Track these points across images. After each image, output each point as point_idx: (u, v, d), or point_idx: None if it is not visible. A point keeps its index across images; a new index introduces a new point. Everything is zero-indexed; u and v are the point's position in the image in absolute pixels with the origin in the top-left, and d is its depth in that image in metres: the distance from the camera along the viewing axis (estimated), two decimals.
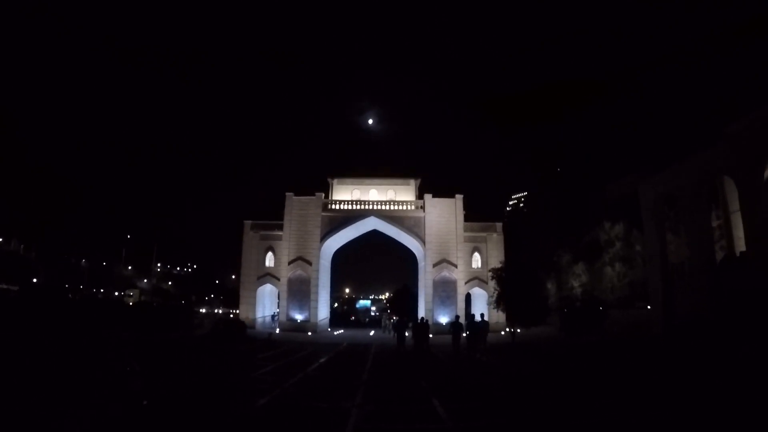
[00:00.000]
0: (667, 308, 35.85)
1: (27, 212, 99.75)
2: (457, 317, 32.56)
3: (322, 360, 24.58)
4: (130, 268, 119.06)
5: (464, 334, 29.04)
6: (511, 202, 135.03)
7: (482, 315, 34.08)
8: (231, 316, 70.56)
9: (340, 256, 64.58)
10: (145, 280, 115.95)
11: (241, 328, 32.67)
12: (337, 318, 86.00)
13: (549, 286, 59.55)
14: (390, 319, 62.73)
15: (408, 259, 64.94)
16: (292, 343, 34.93)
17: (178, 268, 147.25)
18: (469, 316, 36.16)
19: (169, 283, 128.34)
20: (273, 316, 53.55)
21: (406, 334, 29.78)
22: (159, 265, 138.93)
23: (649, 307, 42.42)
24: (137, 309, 41.93)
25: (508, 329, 34.42)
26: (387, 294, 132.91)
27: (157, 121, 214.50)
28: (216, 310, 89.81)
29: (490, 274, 40.42)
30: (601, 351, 27.14)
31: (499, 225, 55.18)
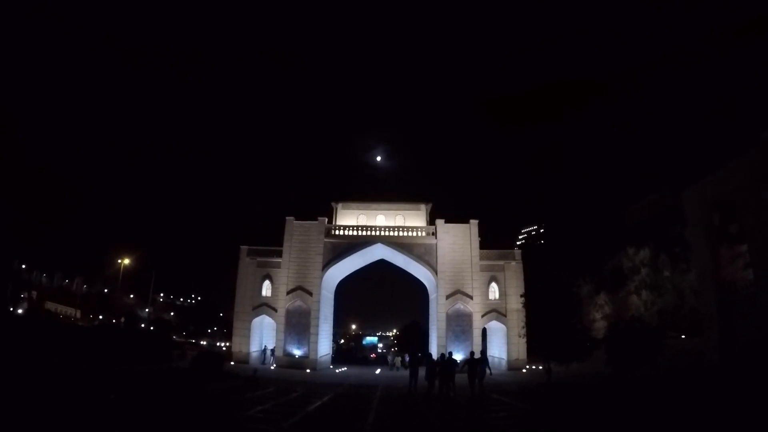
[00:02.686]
0: (725, 335, 29.54)
1: (27, 232, 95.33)
2: (472, 353, 27.47)
3: (310, 408, 18.55)
4: (132, 296, 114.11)
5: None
6: (521, 236, 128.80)
7: (482, 352, 32.50)
8: (217, 347, 64.24)
9: (345, 289, 58.83)
10: (147, 310, 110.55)
11: (217, 363, 26.41)
12: (342, 354, 79.97)
13: (596, 314, 53.06)
14: (398, 356, 56.62)
15: (418, 293, 59.39)
16: (282, 382, 29.02)
17: (181, 299, 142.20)
18: (469, 353, 30.44)
19: (171, 313, 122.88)
20: (265, 351, 47.26)
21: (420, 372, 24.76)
22: (162, 295, 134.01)
23: (683, 336, 37.62)
24: (99, 333, 35.68)
25: (543, 366, 27.94)
26: (394, 331, 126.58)
27: (154, 139, 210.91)
28: (203, 342, 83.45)
29: (521, 301, 34.62)
30: (663, 390, 21.04)
31: (518, 252, 49.46)
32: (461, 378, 26.81)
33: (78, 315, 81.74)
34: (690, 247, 44.64)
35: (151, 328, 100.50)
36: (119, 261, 62.14)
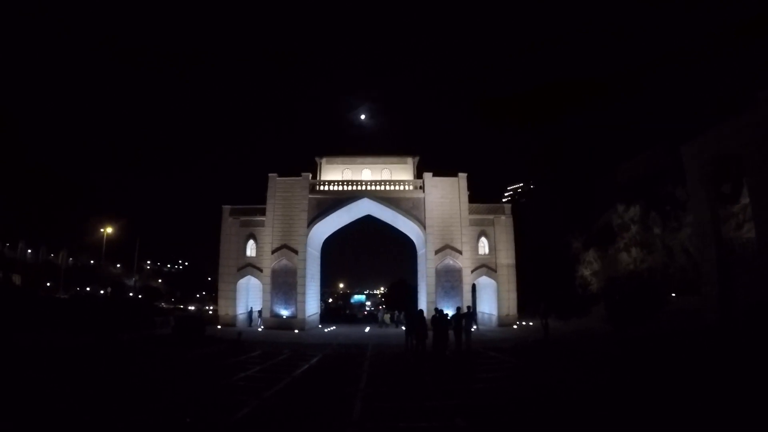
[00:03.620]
0: (724, 294, 28.16)
1: (9, 208, 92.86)
2: (459, 308, 25.75)
3: (297, 372, 16.82)
4: (118, 266, 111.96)
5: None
6: (507, 194, 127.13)
7: (468, 307, 30.45)
8: (204, 311, 62.37)
9: (332, 248, 57.03)
10: (133, 278, 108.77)
11: (198, 327, 24.49)
12: (331, 313, 78.56)
13: (585, 271, 51.76)
14: (386, 313, 55.26)
15: (405, 251, 57.58)
16: (267, 345, 27.25)
17: (168, 266, 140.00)
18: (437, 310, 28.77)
19: (159, 281, 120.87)
20: (251, 312, 45.56)
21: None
22: (149, 263, 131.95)
23: (674, 294, 36.02)
24: (77, 305, 33.55)
25: (541, 322, 26.22)
26: (382, 289, 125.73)
27: (131, 99, 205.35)
28: (191, 308, 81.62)
29: (512, 256, 32.92)
30: (664, 348, 19.58)
31: (507, 207, 47.62)
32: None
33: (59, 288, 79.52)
34: (681, 205, 43.41)
35: (139, 296, 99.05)
36: (102, 230, 59.67)
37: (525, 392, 13.05)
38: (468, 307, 31.60)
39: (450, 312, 31.86)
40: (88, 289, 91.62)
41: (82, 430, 9.18)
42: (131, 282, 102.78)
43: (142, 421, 9.81)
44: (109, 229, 60.37)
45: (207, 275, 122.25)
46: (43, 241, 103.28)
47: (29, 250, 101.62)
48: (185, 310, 70.23)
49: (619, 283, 28.19)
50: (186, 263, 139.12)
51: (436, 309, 26.45)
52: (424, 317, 24.81)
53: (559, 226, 62.00)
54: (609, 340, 23.07)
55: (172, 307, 78.22)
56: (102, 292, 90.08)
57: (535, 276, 27.56)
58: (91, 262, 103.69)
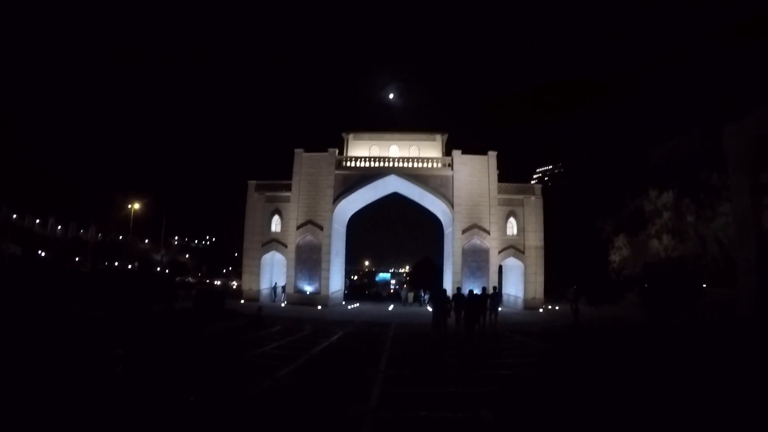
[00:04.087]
0: (762, 286, 26.53)
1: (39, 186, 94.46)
2: (484, 289, 24.82)
3: (315, 350, 16.02)
4: (147, 241, 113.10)
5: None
6: (535, 176, 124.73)
7: (494, 288, 28.38)
8: (229, 286, 62.11)
9: (358, 225, 56.21)
10: (161, 253, 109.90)
11: (218, 301, 23.83)
12: (355, 291, 78.05)
13: (615, 257, 50.18)
14: (411, 291, 54.44)
15: (432, 230, 56.50)
16: (288, 320, 26.66)
17: (196, 241, 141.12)
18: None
19: (186, 256, 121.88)
20: (275, 288, 45.20)
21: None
22: (176, 238, 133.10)
23: (704, 285, 33.95)
24: (99, 279, 33.14)
25: (571, 306, 24.90)
26: (407, 267, 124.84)
27: (158, 72, 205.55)
28: (217, 282, 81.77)
29: (541, 237, 31.53)
30: (700, 339, 18.31)
31: (538, 187, 46.22)
32: None
33: (87, 263, 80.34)
34: (716, 193, 41.51)
35: (166, 270, 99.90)
36: (129, 207, 59.85)
37: (556, 383, 11.99)
38: (494, 288, 30.54)
39: (476, 291, 31.03)
40: (116, 264, 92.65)
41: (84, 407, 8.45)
42: (158, 257, 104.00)
43: (143, 399, 9.06)
44: (137, 205, 60.32)
45: (233, 251, 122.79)
46: (74, 218, 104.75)
47: (59, 227, 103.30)
48: (210, 284, 70.28)
49: (655, 269, 26.67)
50: (213, 239, 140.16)
51: (458, 289, 25.50)
52: (448, 297, 23.91)
53: (590, 210, 60.29)
54: (642, 329, 21.76)
55: (196, 281, 78.65)
56: (130, 266, 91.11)
57: (567, 259, 26.17)
58: (120, 237, 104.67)
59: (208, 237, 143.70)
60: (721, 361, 14.04)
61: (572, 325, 23.57)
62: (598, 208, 59.22)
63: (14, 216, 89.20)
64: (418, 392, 10.26)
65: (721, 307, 27.83)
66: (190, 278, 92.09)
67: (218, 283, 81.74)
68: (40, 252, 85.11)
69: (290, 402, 9.35)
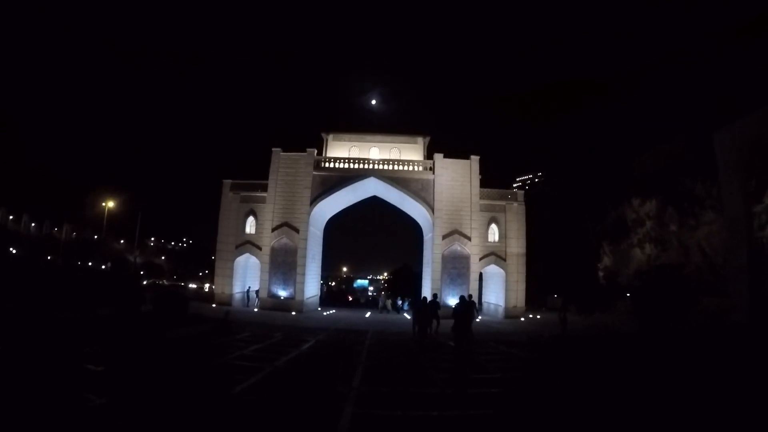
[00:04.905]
0: (754, 295, 25.30)
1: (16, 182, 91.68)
2: (462, 297, 23.31)
3: (281, 362, 14.18)
4: (122, 241, 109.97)
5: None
6: (515, 185, 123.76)
7: (470, 296, 28.06)
8: (202, 289, 59.73)
9: (337, 231, 54.36)
10: (135, 254, 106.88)
11: (180, 305, 21.74)
12: (332, 297, 76.27)
13: (605, 263, 48.77)
14: (389, 298, 52.73)
15: (411, 236, 54.95)
16: (259, 326, 24.72)
17: (173, 243, 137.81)
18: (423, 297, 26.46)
19: (162, 257, 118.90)
20: (248, 292, 43.12)
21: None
22: (153, 239, 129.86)
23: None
24: (51, 275, 30.53)
25: (559, 315, 23.19)
26: (385, 274, 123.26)
27: (135, 67, 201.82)
28: (192, 285, 79.27)
29: (523, 245, 29.98)
30: (698, 347, 16.83)
31: (520, 193, 44.68)
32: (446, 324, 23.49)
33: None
34: (700, 202, 40.50)
35: (141, 272, 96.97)
36: (103, 204, 57.36)
37: (552, 400, 10.35)
38: (469, 296, 29.14)
39: (455, 301, 29.40)
40: (90, 263, 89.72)
41: None
42: (132, 258, 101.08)
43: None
44: (111, 203, 57.70)
45: (210, 253, 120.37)
46: (47, 215, 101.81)
47: (33, 224, 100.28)
48: (175, 286, 67.76)
49: (647, 277, 25.22)
50: (190, 241, 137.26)
51: (434, 295, 24.08)
52: (428, 305, 22.33)
53: (573, 218, 59.10)
54: (635, 339, 20.26)
55: (169, 284, 76.18)
56: (103, 267, 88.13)
57: (553, 266, 24.58)
58: (95, 237, 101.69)
59: (185, 239, 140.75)
60: (726, 369, 12.55)
61: (560, 335, 22.02)
62: (580, 216, 58.11)
63: None
64: (398, 416, 8.53)
65: (714, 316, 26.53)
66: (164, 281, 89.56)
67: (193, 286, 79.46)
68: (11, 249, 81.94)
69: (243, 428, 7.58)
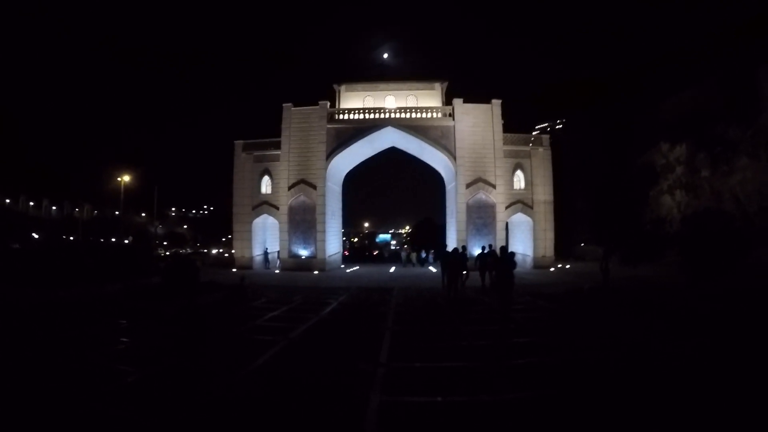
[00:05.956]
0: None
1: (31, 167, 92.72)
2: (490, 247, 23.95)
3: (296, 333, 12.36)
4: (143, 215, 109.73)
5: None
6: (534, 132, 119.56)
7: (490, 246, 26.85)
8: (224, 255, 58.36)
9: (357, 187, 52.31)
10: (159, 226, 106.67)
11: (190, 273, 19.97)
12: (355, 253, 74.76)
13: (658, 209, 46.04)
14: (413, 251, 51.03)
15: (432, 187, 52.83)
16: (277, 290, 23.14)
17: (194, 212, 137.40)
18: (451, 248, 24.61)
19: (184, 227, 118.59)
20: (266, 253, 41.57)
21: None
22: (173, 209, 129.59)
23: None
24: (59, 255, 28.63)
25: (600, 266, 20.95)
26: (407, 228, 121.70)
27: (143, 34, 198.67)
28: (214, 251, 78.28)
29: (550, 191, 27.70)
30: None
31: (545, 137, 42.07)
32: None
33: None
34: (733, 147, 37.91)
35: (164, 242, 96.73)
36: (119, 180, 56.25)
37: (618, 378, 8.39)
38: (501, 248, 27.22)
39: (478, 250, 27.41)
40: (113, 239, 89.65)
41: None
42: (156, 230, 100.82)
43: None
44: (126, 178, 56.49)
45: (230, 218, 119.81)
46: (67, 197, 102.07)
47: (54, 207, 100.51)
48: (205, 254, 66.99)
49: (696, 224, 22.69)
50: (211, 208, 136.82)
51: (463, 247, 22.38)
52: (456, 257, 20.43)
53: (598, 165, 56.20)
54: (686, 294, 18.04)
55: (192, 251, 75.52)
56: (126, 241, 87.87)
57: (597, 211, 22.21)
58: (116, 213, 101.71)
59: (206, 207, 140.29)
60: None
61: (600, 287, 19.95)
62: (605, 162, 55.17)
63: (7, 201, 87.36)
64: (438, 405, 6.64)
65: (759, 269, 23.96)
66: (187, 249, 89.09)
67: (215, 252, 78.56)
68: (33, 234, 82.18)
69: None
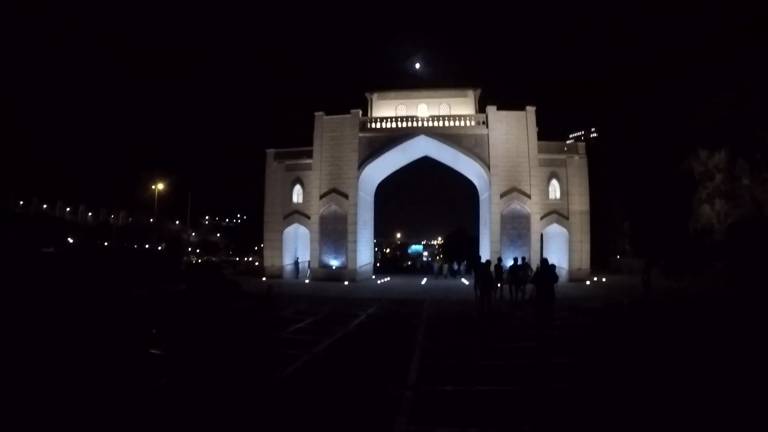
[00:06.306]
0: None
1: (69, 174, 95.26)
2: (524, 258, 24.18)
3: (320, 348, 11.66)
4: (177, 222, 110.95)
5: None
6: (569, 141, 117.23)
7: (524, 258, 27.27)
8: (253, 263, 58.11)
9: (389, 198, 51.75)
10: (193, 234, 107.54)
11: (216, 281, 19.42)
12: (387, 264, 73.95)
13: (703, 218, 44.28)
14: (445, 263, 50.08)
15: (465, 199, 51.92)
16: (306, 300, 22.49)
17: (227, 220, 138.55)
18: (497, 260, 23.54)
19: (218, 235, 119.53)
20: (296, 263, 41.13)
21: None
22: (207, 218, 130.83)
23: None
24: (83, 259, 28.35)
25: (642, 279, 19.80)
26: (439, 239, 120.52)
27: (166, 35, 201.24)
28: (247, 259, 78.30)
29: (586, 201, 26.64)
30: None
31: (581, 145, 40.78)
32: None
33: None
34: None
35: (197, 251, 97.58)
36: (154, 187, 57.13)
37: (667, 407, 7.46)
38: (523, 258, 26.76)
39: (511, 262, 26.31)
40: (146, 246, 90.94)
41: None
42: (189, 237, 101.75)
43: None
44: (161, 186, 57.39)
45: (262, 227, 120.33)
46: (103, 204, 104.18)
47: (90, 213, 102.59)
48: (239, 263, 67.14)
49: (743, 233, 21.35)
50: (244, 217, 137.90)
51: (499, 259, 21.48)
52: (491, 269, 19.58)
53: (636, 171, 54.31)
54: (736, 310, 16.78)
55: (223, 259, 75.85)
56: (159, 248, 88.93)
57: (635, 219, 21.08)
58: (151, 220, 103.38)
59: (239, 215, 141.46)
60: None
61: (642, 302, 18.81)
62: (641, 170, 53.26)
63: (44, 206, 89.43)
64: None
65: None
66: (221, 257, 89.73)
67: (249, 260, 78.70)
68: (68, 239, 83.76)
69: None
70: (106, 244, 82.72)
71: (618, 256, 47.44)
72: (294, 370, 9.15)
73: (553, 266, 13.43)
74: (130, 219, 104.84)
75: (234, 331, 13.39)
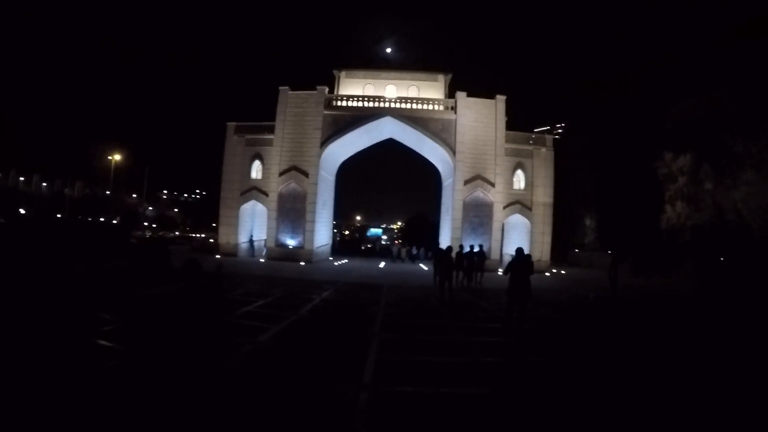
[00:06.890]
0: None
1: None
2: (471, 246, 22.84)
3: (265, 336, 10.47)
4: (134, 196, 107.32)
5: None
6: (535, 133, 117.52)
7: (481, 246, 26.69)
8: (209, 240, 56.01)
9: (349, 179, 50.40)
10: (150, 208, 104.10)
11: (162, 258, 17.86)
12: (345, 246, 72.76)
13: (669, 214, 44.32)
14: (403, 247, 49.38)
15: (427, 185, 51.16)
16: (258, 280, 21.25)
17: (185, 195, 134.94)
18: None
19: (175, 210, 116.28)
20: (251, 241, 39.58)
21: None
22: (165, 192, 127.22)
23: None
24: (26, 232, 26.02)
25: (609, 274, 19.20)
26: (399, 223, 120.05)
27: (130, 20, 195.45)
28: (201, 236, 76.05)
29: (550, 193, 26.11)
30: None
31: (549, 138, 40.40)
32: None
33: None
34: (739, 160, 36.50)
35: (153, 225, 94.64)
36: (110, 159, 54.42)
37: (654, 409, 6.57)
38: (480, 246, 26.05)
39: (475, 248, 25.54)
40: (101, 219, 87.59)
41: None
42: (146, 211, 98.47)
43: None
44: (117, 157, 54.80)
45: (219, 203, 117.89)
46: (59, 174, 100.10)
47: (44, 183, 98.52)
48: (193, 239, 65.02)
49: (709, 233, 21.06)
50: (204, 192, 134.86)
51: (472, 246, 20.65)
52: (451, 255, 18.74)
53: (605, 169, 54.28)
54: (707, 307, 16.31)
55: (180, 234, 73.68)
56: (114, 222, 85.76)
57: (604, 215, 20.50)
58: (107, 192, 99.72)
59: (197, 191, 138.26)
60: None
61: (608, 297, 18.22)
62: (610, 168, 53.27)
63: None
64: None
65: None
66: (176, 232, 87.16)
67: (201, 236, 76.44)
68: (20, 210, 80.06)
69: None
70: (59, 216, 79.34)
71: (576, 250, 47.41)
72: (233, 362, 7.97)
73: (529, 256, 12.46)
74: (87, 191, 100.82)
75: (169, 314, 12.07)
